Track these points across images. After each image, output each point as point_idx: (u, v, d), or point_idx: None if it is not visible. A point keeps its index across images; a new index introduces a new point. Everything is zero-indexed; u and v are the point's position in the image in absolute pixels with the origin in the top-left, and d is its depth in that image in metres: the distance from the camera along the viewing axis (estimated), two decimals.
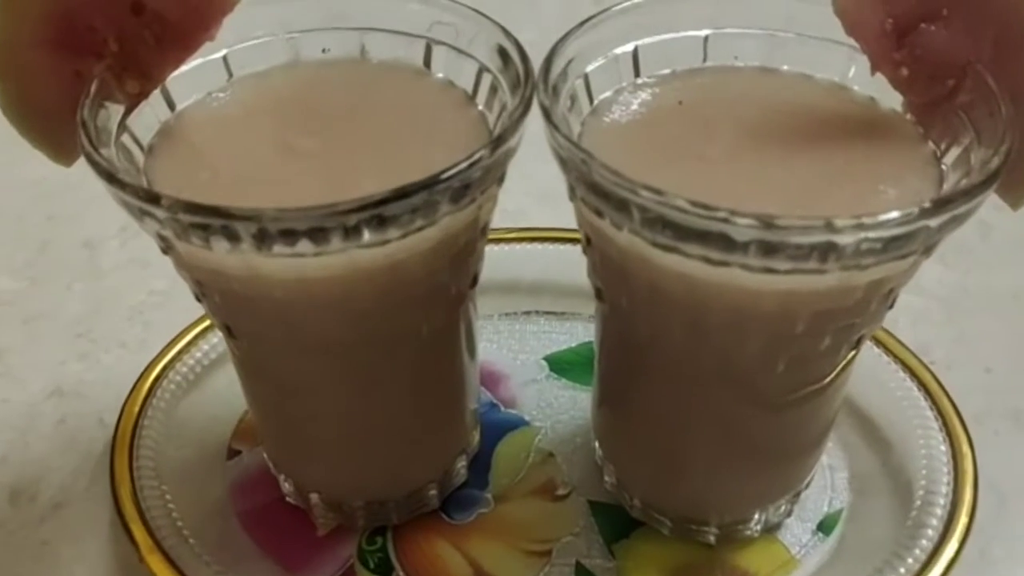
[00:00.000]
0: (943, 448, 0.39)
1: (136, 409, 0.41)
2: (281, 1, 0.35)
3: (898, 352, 0.42)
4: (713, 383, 0.33)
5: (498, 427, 0.42)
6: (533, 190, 0.48)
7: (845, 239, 0.26)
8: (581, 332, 0.46)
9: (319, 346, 0.32)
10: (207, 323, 0.44)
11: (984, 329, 0.47)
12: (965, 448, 0.39)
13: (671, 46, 0.35)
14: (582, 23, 0.33)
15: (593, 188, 0.28)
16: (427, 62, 0.35)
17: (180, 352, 0.43)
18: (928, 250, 0.28)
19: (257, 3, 0.33)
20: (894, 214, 0.25)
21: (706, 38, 0.35)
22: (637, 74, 0.34)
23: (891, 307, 0.31)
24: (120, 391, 0.43)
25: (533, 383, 0.44)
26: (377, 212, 0.27)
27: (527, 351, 0.46)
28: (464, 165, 0.28)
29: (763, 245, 0.26)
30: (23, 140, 0.32)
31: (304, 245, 0.27)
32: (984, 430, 0.42)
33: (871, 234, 0.26)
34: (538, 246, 0.48)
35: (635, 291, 0.31)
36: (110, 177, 0.28)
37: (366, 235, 0.27)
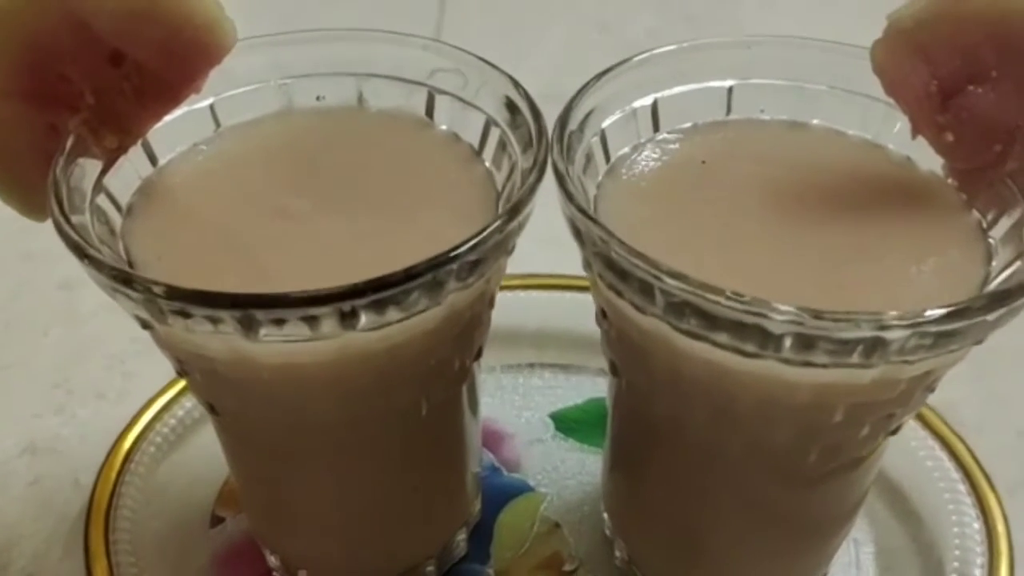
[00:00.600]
0: (976, 526, 0.36)
1: (113, 475, 0.38)
2: (272, 44, 0.33)
3: (927, 418, 0.39)
4: (738, 464, 0.30)
5: (501, 493, 0.40)
6: (537, 232, 0.46)
7: (893, 335, 0.23)
8: (588, 387, 0.44)
9: (309, 426, 0.29)
10: None
11: (1016, 389, 0.44)
12: (1000, 526, 0.36)
13: (693, 98, 0.32)
14: (599, 75, 0.30)
15: (612, 267, 0.26)
16: (430, 112, 0.33)
17: (161, 411, 0.40)
18: (980, 341, 0.25)
19: (247, 46, 0.31)
20: (948, 310, 0.23)
21: (730, 89, 0.32)
22: (656, 129, 0.32)
23: (932, 391, 0.29)
24: (97, 448, 0.40)
25: (538, 443, 0.42)
26: (377, 297, 0.24)
27: (531, 407, 0.43)
28: (474, 242, 0.25)
29: (802, 339, 0.23)
30: None
31: (294, 330, 0.24)
32: (1018, 502, 0.39)
33: (921, 330, 0.23)
34: (543, 294, 0.46)
35: (656, 373, 0.28)
36: (80, 252, 0.25)
37: (363, 319, 0.25)
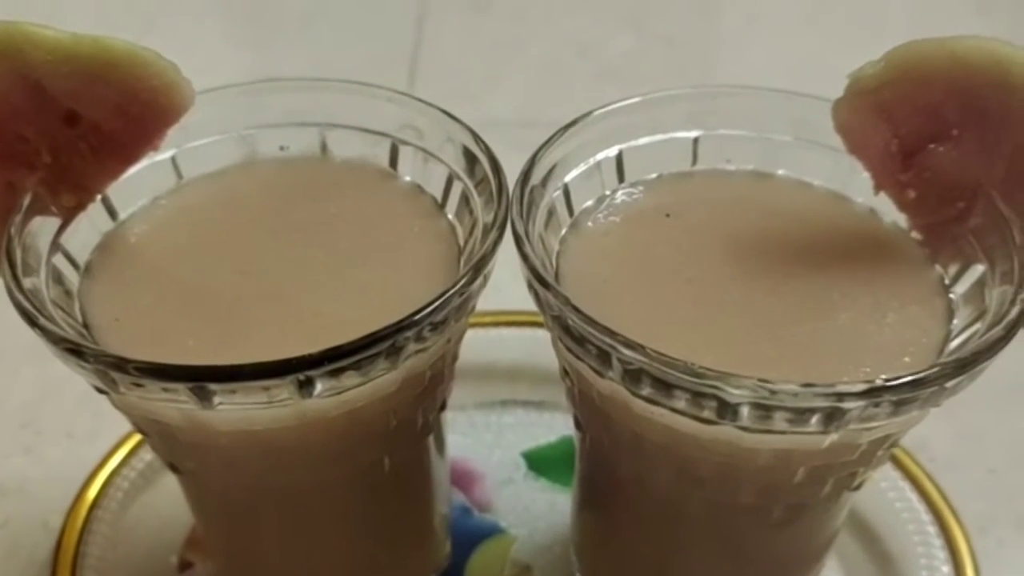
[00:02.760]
0: (945, 569, 0.36)
1: (80, 520, 0.38)
2: (235, 95, 0.32)
3: (898, 457, 0.39)
4: (703, 517, 0.30)
5: (471, 535, 0.40)
6: (508, 264, 0.46)
7: (850, 405, 0.23)
8: (561, 424, 0.44)
9: (270, 487, 0.29)
10: None
11: (986, 425, 0.44)
12: (970, 571, 0.36)
13: (658, 149, 0.32)
14: (563, 129, 0.30)
15: (568, 332, 0.26)
16: (393, 163, 0.32)
17: (128, 455, 0.40)
18: (939, 403, 0.25)
19: (209, 98, 0.31)
20: (905, 379, 0.23)
21: (696, 139, 0.32)
22: (621, 180, 0.32)
23: (894, 448, 0.29)
24: (66, 489, 0.40)
25: (510, 483, 0.42)
26: (333, 366, 0.24)
27: (503, 446, 0.43)
28: (434, 307, 0.25)
29: (759, 407, 0.23)
30: None
31: (249, 398, 0.24)
32: (988, 540, 0.39)
33: (879, 399, 0.23)
34: (515, 331, 0.46)
35: (617, 433, 0.28)
36: (31, 320, 0.25)
37: (319, 387, 0.24)
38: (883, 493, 0.39)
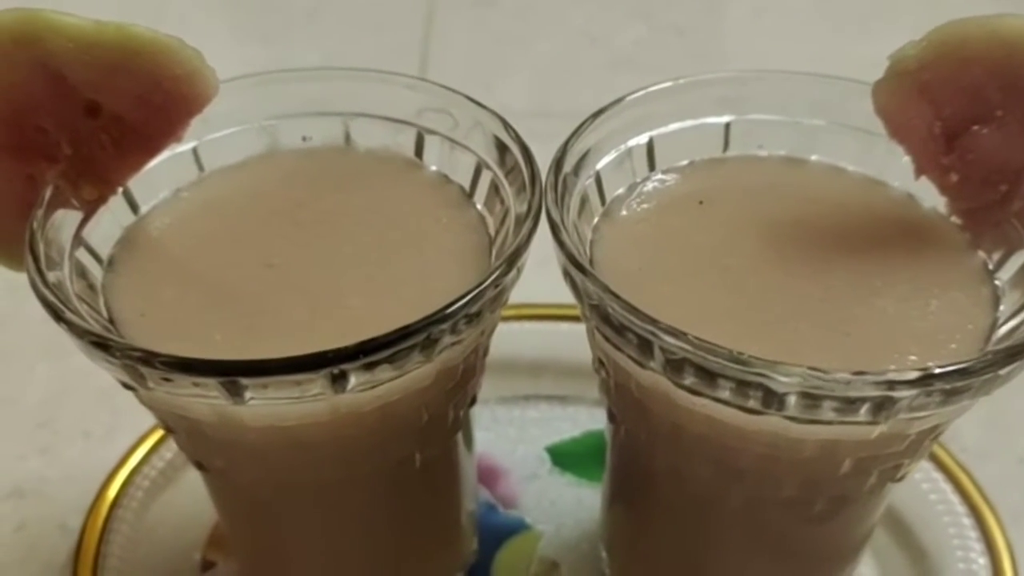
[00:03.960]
0: (982, 561, 0.36)
1: (100, 520, 0.37)
2: (256, 84, 0.32)
3: (932, 450, 0.39)
4: (741, 513, 0.29)
5: (497, 532, 0.39)
6: (531, 256, 0.45)
7: (902, 394, 0.22)
8: (585, 419, 0.43)
9: (299, 484, 0.28)
10: None
11: (1017, 416, 0.44)
12: (1006, 562, 0.35)
13: (689, 135, 0.31)
14: (594, 115, 0.30)
15: (608, 321, 0.25)
16: (419, 152, 0.32)
17: (148, 453, 0.39)
18: (991, 392, 0.25)
19: (230, 87, 0.30)
20: (957, 367, 0.22)
21: (727, 125, 0.32)
22: (652, 167, 0.31)
23: (938, 438, 0.28)
24: (84, 490, 0.39)
25: (534, 479, 0.41)
26: (367, 360, 0.23)
27: (527, 441, 0.43)
28: (469, 297, 0.24)
29: (808, 397, 0.23)
30: None
31: (282, 392, 0.24)
32: (1022, 530, 0.38)
33: (930, 388, 0.22)
34: (538, 324, 0.45)
35: (655, 425, 0.27)
36: (56, 314, 0.24)
37: (353, 380, 0.24)
38: (917, 484, 0.38)
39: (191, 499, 0.39)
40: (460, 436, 0.32)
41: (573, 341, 0.44)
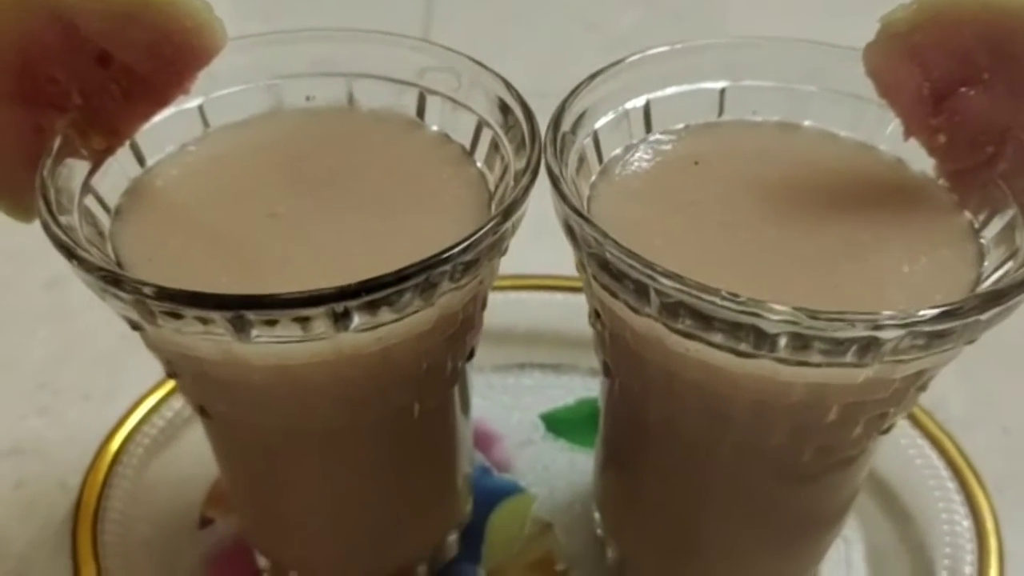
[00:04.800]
0: (966, 524, 0.37)
1: (100, 477, 0.38)
2: (262, 44, 0.32)
3: (916, 416, 0.39)
4: (730, 464, 0.30)
5: (491, 494, 0.40)
6: (526, 227, 0.46)
7: (888, 335, 0.23)
8: (579, 387, 0.44)
9: (301, 429, 0.29)
10: None
11: (1001, 386, 0.45)
12: (989, 523, 0.36)
13: (685, 99, 0.32)
14: (592, 76, 0.30)
15: (606, 268, 0.26)
16: (420, 112, 0.32)
17: (149, 412, 0.40)
18: (972, 340, 0.25)
19: (236, 46, 0.31)
20: (942, 310, 0.23)
21: (722, 91, 0.32)
22: (649, 130, 0.32)
23: (924, 390, 0.29)
24: (83, 450, 0.40)
25: (529, 444, 0.42)
26: (370, 298, 0.24)
27: (522, 408, 0.43)
28: (467, 243, 0.25)
29: (797, 338, 0.23)
30: None
31: (286, 331, 0.24)
32: (1005, 499, 0.39)
33: (916, 330, 0.23)
34: (533, 294, 0.46)
35: (649, 375, 0.28)
36: (69, 253, 0.25)
37: (356, 320, 0.24)
38: (903, 450, 0.39)
39: (190, 459, 0.40)
40: (457, 392, 0.33)
41: (567, 311, 0.46)
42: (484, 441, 0.42)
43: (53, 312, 0.48)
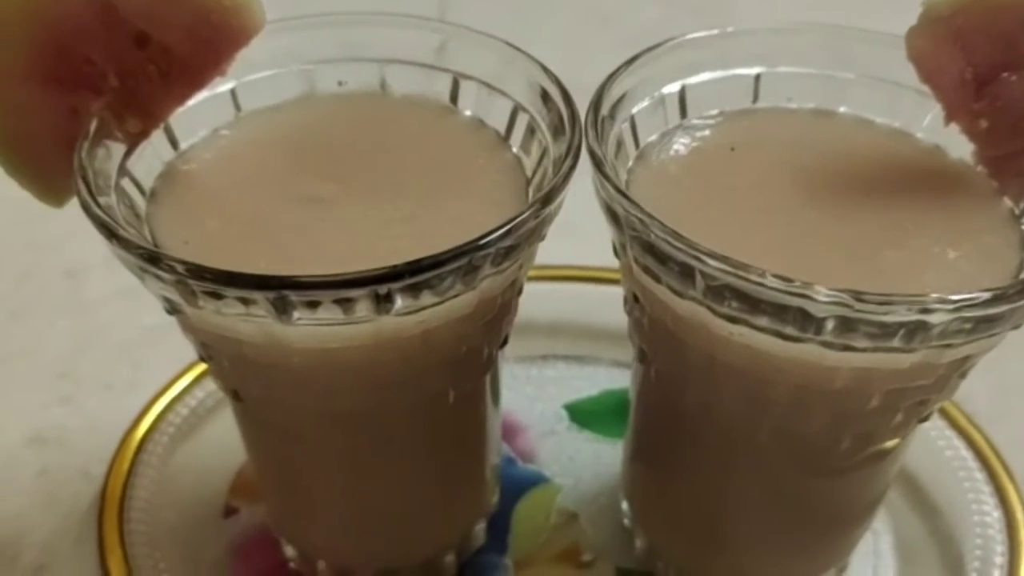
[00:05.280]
0: (996, 515, 0.36)
1: (126, 465, 0.38)
2: (294, 28, 0.32)
3: (945, 408, 0.39)
4: (767, 453, 0.30)
5: (517, 484, 0.40)
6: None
7: (936, 319, 0.23)
8: (602, 378, 0.44)
9: (336, 413, 0.29)
10: (203, 368, 0.41)
11: None
12: (1020, 515, 0.36)
13: (721, 85, 0.32)
14: (629, 61, 0.30)
15: (650, 250, 0.25)
16: (454, 98, 0.32)
17: (173, 400, 0.40)
18: (1019, 326, 0.25)
19: (268, 30, 0.30)
20: (992, 294, 0.23)
21: (757, 77, 0.32)
22: (684, 115, 0.32)
23: (964, 377, 0.29)
24: (105, 439, 0.40)
25: (552, 435, 0.42)
26: (413, 280, 0.24)
27: (545, 399, 0.43)
28: (510, 226, 0.25)
29: (844, 322, 0.23)
30: None
31: (328, 313, 0.24)
32: None
33: (964, 314, 0.23)
34: (556, 285, 0.46)
35: (689, 359, 0.28)
36: (110, 233, 0.25)
37: (398, 303, 0.24)
38: (932, 442, 0.39)
39: (214, 448, 0.40)
40: (489, 380, 0.32)
41: (588, 303, 0.45)
42: (508, 431, 0.41)
43: (72, 302, 0.48)
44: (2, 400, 0.43)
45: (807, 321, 0.24)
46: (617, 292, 0.45)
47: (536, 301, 0.45)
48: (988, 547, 0.36)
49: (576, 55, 0.69)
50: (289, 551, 0.36)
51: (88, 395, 0.44)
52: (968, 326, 0.24)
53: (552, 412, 0.43)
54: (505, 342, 0.31)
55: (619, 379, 0.44)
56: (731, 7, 0.72)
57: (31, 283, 0.49)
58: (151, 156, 0.30)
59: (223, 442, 0.39)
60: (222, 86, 0.31)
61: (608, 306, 0.45)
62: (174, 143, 0.30)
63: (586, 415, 0.42)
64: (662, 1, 0.72)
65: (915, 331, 0.23)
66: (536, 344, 0.45)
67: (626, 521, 0.38)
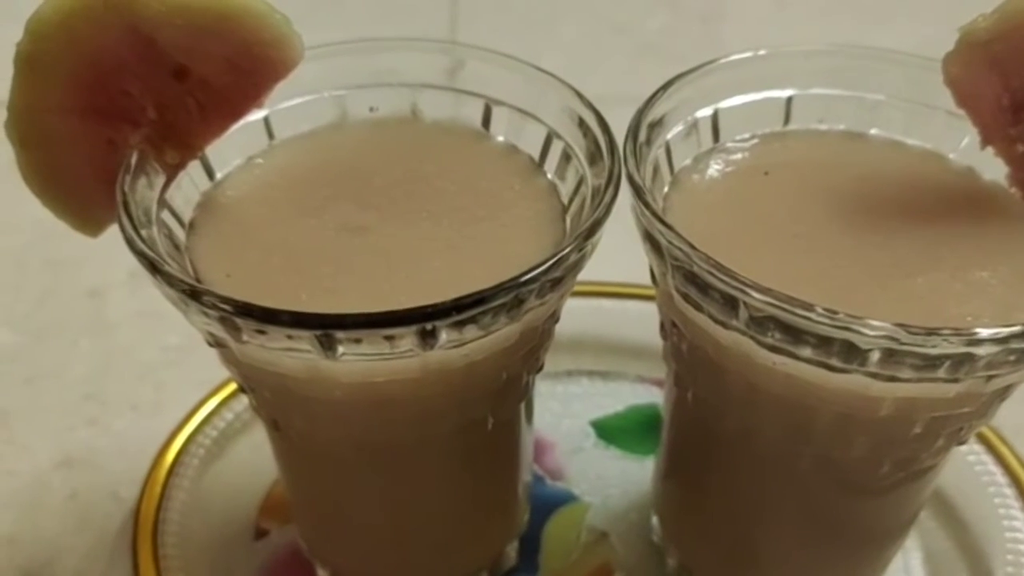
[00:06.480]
0: None
1: (158, 488, 0.38)
2: (325, 55, 0.32)
3: None
4: (805, 476, 0.30)
5: (546, 503, 0.40)
6: None
7: (983, 351, 0.23)
8: (628, 394, 0.44)
9: (377, 443, 0.29)
10: (231, 389, 0.41)
11: None
12: None
13: (752, 109, 0.32)
14: (664, 87, 0.30)
15: (692, 280, 0.25)
16: (486, 123, 0.32)
17: (202, 423, 0.40)
18: None
19: None
20: None
21: (789, 99, 0.32)
22: (717, 139, 0.32)
23: (1003, 400, 0.29)
24: (134, 461, 0.40)
25: (580, 452, 0.42)
26: (458, 317, 0.24)
27: (571, 415, 0.43)
28: (555, 260, 0.25)
29: (890, 354, 0.23)
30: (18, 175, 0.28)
31: (373, 348, 0.24)
32: None
33: (1011, 346, 0.23)
34: (579, 301, 0.45)
35: (729, 386, 0.28)
36: (154, 268, 0.25)
37: (443, 337, 0.24)
38: (962, 456, 0.39)
39: (243, 469, 0.40)
40: (523, 405, 0.33)
41: (613, 318, 0.46)
42: (537, 449, 0.41)
43: (96, 321, 0.48)
44: (31, 421, 0.44)
45: (852, 353, 0.24)
46: (640, 307, 0.45)
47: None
48: (1019, 563, 0.36)
49: (588, 64, 0.70)
50: (322, 574, 0.36)
51: (114, 416, 0.44)
52: (1013, 357, 0.24)
53: (579, 429, 0.43)
54: (541, 367, 0.32)
55: (644, 395, 0.44)
56: (739, 18, 0.72)
57: (53, 302, 0.49)
58: (188, 186, 0.30)
59: (251, 464, 0.39)
60: (255, 114, 0.31)
61: (631, 321, 0.46)
62: (210, 172, 0.30)
63: (613, 431, 0.42)
64: (670, 9, 0.72)
65: (961, 363, 0.23)
66: (560, 360, 0.45)
67: (656, 539, 0.38)
